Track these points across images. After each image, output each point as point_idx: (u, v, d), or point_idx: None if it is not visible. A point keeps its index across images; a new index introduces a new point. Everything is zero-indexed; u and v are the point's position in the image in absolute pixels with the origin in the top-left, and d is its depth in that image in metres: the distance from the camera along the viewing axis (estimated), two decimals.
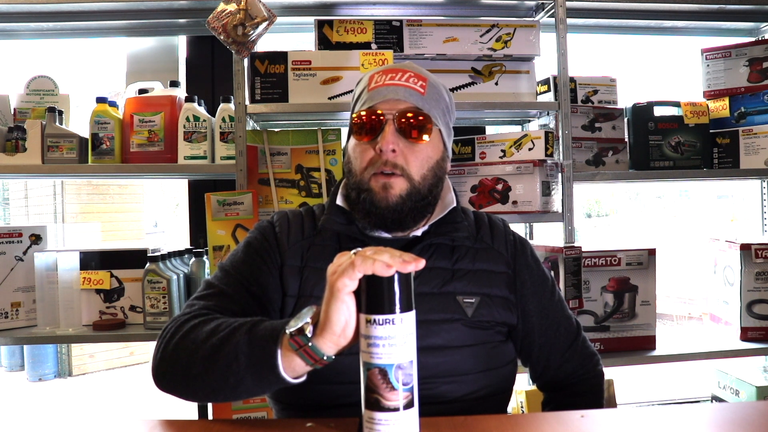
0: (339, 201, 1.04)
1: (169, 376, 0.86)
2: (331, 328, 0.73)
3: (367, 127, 0.98)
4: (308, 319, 0.75)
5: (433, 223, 1.03)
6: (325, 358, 0.75)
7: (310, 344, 0.74)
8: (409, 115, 0.98)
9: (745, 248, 1.88)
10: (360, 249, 0.74)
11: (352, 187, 1.01)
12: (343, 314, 0.72)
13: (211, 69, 2.14)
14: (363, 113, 0.99)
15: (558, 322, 1.09)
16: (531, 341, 1.07)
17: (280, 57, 1.75)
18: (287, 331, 0.75)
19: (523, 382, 1.85)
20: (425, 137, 0.99)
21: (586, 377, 1.11)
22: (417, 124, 0.98)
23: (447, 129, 1.07)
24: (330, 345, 0.74)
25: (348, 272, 0.71)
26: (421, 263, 0.71)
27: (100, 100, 1.80)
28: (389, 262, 0.69)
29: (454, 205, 1.05)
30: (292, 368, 0.77)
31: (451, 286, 1.00)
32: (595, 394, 1.10)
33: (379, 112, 0.98)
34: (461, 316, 0.98)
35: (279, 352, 0.76)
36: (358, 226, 1.03)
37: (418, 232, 1.03)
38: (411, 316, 0.70)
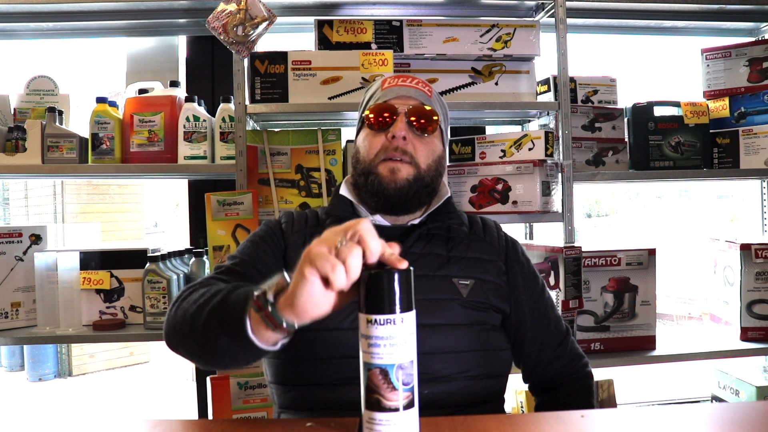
0: (343, 190, 1.11)
1: (171, 336, 0.91)
2: (291, 299, 0.71)
3: (381, 119, 1.08)
4: (273, 284, 0.75)
5: (429, 214, 1.10)
6: (284, 324, 0.73)
7: (269, 308, 0.74)
8: (420, 111, 1.08)
9: (745, 248, 1.88)
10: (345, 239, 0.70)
11: (360, 173, 1.09)
12: (306, 289, 0.69)
13: (211, 69, 2.14)
14: (378, 107, 1.09)
15: (549, 319, 1.13)
16: (523, 332, 1.10)
17: (280, 57, 1.75)
18: (254, 293, 0.75)
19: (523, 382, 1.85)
20: (432, 132, 1.09)
21: (576, 377, 1.13)
22: (426, 119, 1.08)
23: (446, 133, 1.17)
24: (290, 313, 0.73)
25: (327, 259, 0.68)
26: (403, 264, 0.69)
27: (100, 100, 1.80)
28: (376, 249, 0.68)
29: (449, 195, 1.14)
30: (259, 332, 0.76)
31: (447, 269, 1.05)
32: (585, 394, 1.12)
33: (393, 106, 1.08)
34: (457, 296, 1.02)
35: (247, 314, 0.76)
36: (360, 213, 1.08)
37: (416, 221, 1.10)
38: (411, 316, 0.70)
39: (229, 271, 1.02)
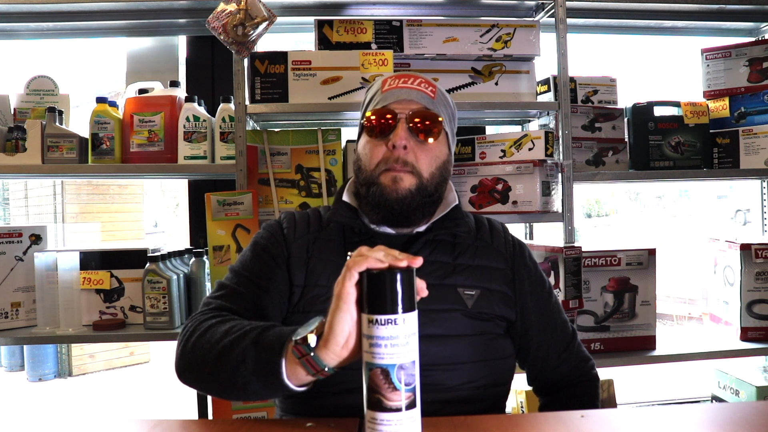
0: (345, 197, 1.07)
1: (187, 372, 0.90)
2: (334, 339, 0.74)
3: (381, 125, 1.02)
4: (313, 329, 0.76)
5: (435, 221, 1.06)
6: (326, 369, 0.76)
7: (312, 354, 0.75)
8: (422, 115, 1.02)
9: (745, 248, 1.88)
10: (354, 252, 0.76)
11: (361, 183, 1.04)
12: (347, 324, 0.73)
13: (211, 69, 2.14)
14: (377, 112, 1.03)
15: (555, 323, 1.11)
16: (529, 339, 1.08)
17: (280, 57, 1.75)
18: (292, 339, 0.77)
19: (523, 382, 1.85)
20: (435, 137, 1.03)
21: (582, 379, 1.12)
22: (428, 125, 1.02)
23: (452, 134, 1.11)
24: (332, 356, 0.75)
25: (347, 276, 0.73)
26: (417, 261, 0.73)
27: (100, 100, 1.80)
28: (382, 258, 0.72)
29: (456, 203, 1.09)
30: (295, 376, 0.78)
31: (452, 278, 1.03)
32: (591, 396, 1.11)
33: (392, 111, 1.02)
34: (461, 306, 1.00)
35: (283, 360, 0.78)
36: (364, 220, 1.05)
37: (421, 229, 1.06)
38: (413, 316, 0.70)
39: (234, 293, 0.99)
